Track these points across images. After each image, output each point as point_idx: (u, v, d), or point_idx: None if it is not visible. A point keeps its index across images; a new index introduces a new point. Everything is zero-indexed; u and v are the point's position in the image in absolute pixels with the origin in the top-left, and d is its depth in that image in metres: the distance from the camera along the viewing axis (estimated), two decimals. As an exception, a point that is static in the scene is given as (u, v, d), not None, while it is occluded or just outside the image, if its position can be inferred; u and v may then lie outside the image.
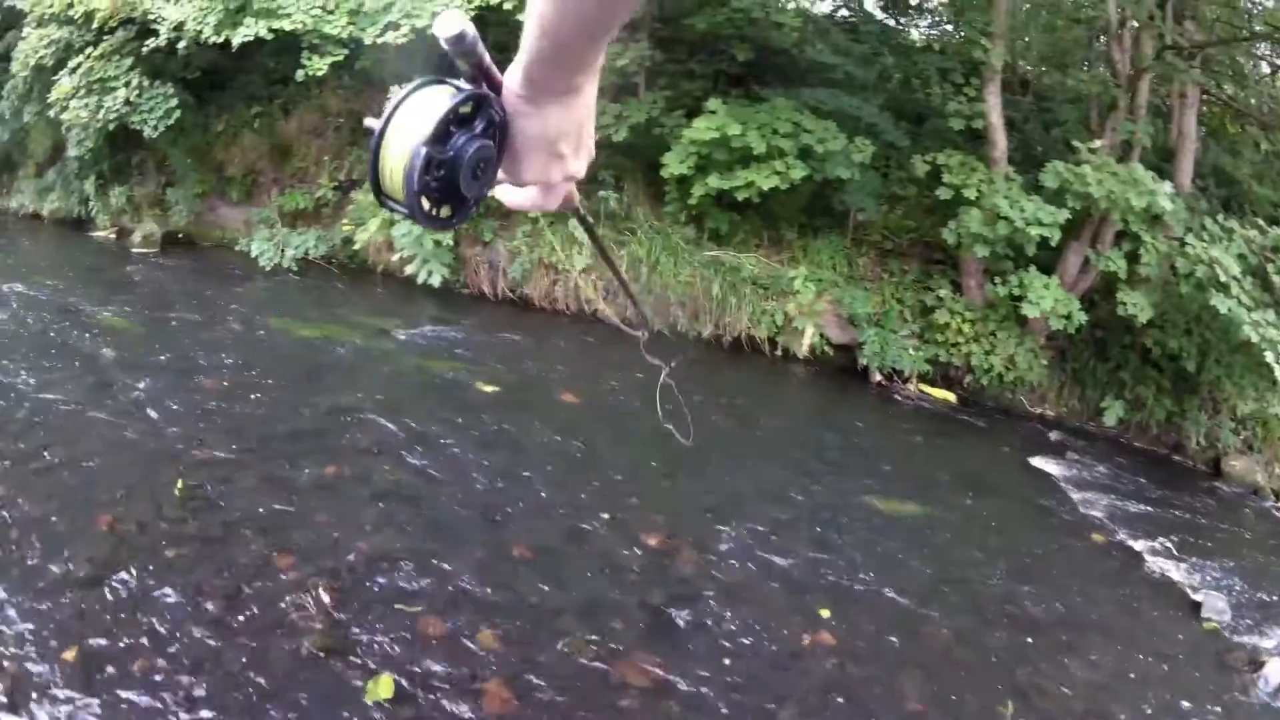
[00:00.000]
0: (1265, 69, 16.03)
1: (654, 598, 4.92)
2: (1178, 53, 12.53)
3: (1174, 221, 10.69)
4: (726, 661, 4.44)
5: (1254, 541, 9.75)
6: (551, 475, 6.30)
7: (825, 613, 5.07)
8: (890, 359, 10.68)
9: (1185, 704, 5.25)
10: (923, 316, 11.13)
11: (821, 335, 10.71)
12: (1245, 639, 6.43)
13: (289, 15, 11.03)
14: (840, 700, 4.34)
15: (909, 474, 8.25)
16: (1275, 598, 7.65)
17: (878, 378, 10.75)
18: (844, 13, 14.05)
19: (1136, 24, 12.18)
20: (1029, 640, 5.48)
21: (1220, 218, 11.28)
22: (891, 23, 13.73)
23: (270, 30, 10.99)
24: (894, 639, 5.02)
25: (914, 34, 14.47)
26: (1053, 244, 10.43)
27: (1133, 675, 5.40)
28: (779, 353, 10.75)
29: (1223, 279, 9.99)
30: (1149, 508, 9.31)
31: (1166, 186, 10.42)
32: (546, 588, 4.80)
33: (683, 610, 4.83)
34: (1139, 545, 7.87)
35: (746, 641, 4.64)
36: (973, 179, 10.58)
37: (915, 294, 11.22)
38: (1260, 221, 11.39)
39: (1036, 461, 9.72)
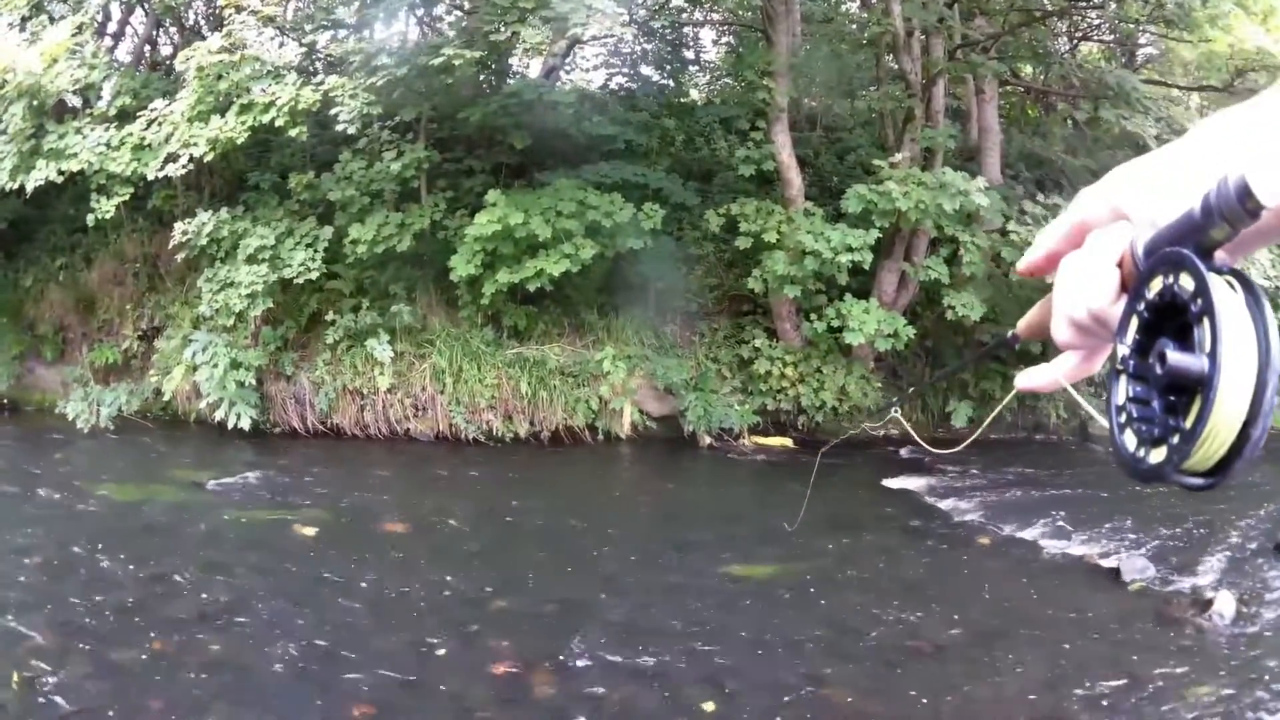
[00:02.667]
0: (1064, 45, 16.44)
1: (516, 736, 4.47)
2: (972, 48, 12.71)
3: (991, 215, 10.80)
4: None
5: (1144, 492, 9.70)
6: (382, 615, 5.93)
7: (709, 706, 4.67)
8: (716, 419, 10.57)
9: (1146, 671, 5.10)
10: (742, 370, 11.05)
11: (641, 411, 10.60)
12: (1178, 585, 6.44)
13: (76, 155, 10.67)
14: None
15: (765, 532, 7.95)
16: (1188, 538, 7.73)
17: (708, 441, 10.62)
18: (620, 80, 14.05)
19: (924, 35, 12.33)
20: (945, 669, 5.24)
21: (1040, 198, 11.39)
22: (671, 84, 13.72)
23: (60, 172, 10.61)
24: (795, 715, 4.66)
25: (694, 93, 14.54)
26: (865, 268, 10.44)
27: (1076, 667, 5.21)
28: (601, 437, 10.57)
29: (1057, 254, 10.02)
30: (1027, 493, 9.32)
31: (979, 182, 10.47)
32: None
33: (550, 741, 4.41)
34: (1030, 534, 7.79)
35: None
36: (771, 221, 10.56)
37: (730, 350, 11.14)
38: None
39: (895, 484, 9.62)
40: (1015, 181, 13.16)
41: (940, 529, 8.11)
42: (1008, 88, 14.99)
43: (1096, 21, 16.73)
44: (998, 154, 12.87)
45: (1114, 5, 15.47)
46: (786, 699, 4.78)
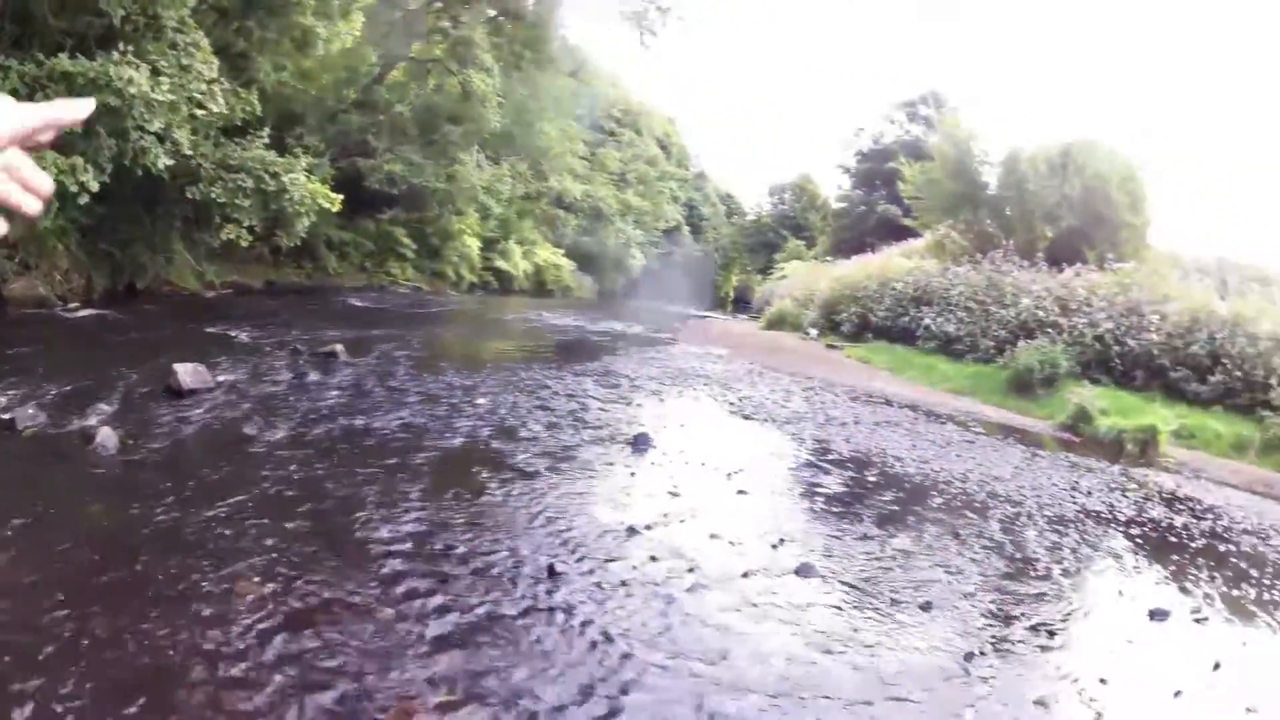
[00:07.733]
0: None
1: None
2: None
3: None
4: None
5: (40, 351, 9.76)
6: None
7: None
8: None
9: (45, 495, 5.31)
10: None
11: None
12: (68, 428, 6.77)
13: None
14: None
15: None
16: (79, 389, 7.89)
17: None
18: None
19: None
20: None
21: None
22: None
23: None
24: None
25: None
26: None
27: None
28: None
29: None
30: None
31: None
32: None
33: None
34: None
35: None
36: None
37: None
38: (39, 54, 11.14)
39: None
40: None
41: None
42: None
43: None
44: None
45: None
46: None
